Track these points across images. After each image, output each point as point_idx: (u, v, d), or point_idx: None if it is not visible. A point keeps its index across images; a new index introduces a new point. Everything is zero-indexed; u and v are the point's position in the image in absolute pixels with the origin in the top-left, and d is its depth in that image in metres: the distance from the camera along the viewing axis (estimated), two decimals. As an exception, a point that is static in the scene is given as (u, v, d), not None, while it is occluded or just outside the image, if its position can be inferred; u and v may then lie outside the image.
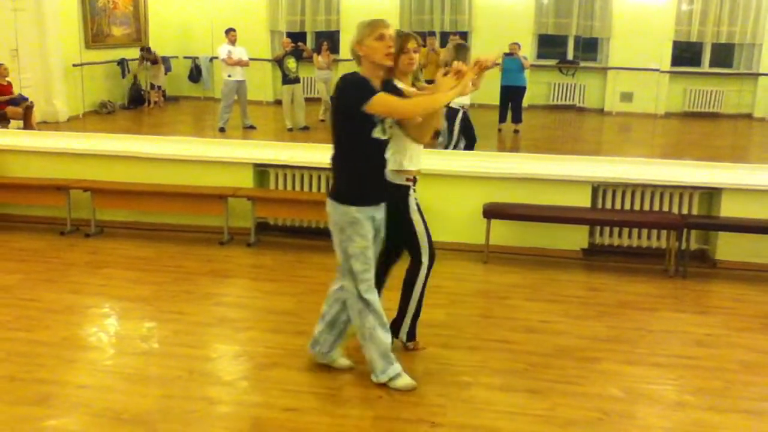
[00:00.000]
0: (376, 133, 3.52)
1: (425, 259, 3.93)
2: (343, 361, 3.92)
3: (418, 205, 3.89)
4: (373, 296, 3.65)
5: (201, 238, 6.24)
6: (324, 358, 3.90)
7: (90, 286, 5.17)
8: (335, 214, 3.62)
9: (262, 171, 6.47)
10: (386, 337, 3.67)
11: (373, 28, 3.47)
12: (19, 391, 3.63)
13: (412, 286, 3.96)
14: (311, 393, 3.67)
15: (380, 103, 3.40)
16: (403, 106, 3.50)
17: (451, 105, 8.55)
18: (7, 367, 3.87)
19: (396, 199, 3.79)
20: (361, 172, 3.57)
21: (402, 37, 3.65)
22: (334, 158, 3.63)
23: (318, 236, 6.29)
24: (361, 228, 3.56)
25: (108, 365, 3.98)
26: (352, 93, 3.45)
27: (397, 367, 3.68)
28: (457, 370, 3.92)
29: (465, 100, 8.74)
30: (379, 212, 3.69)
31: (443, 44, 11.92)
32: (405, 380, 3.68)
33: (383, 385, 3.67)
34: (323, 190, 6.34)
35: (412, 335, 4.11)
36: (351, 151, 3.57)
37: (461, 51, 8.82)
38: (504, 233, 5.93)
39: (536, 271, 5.63)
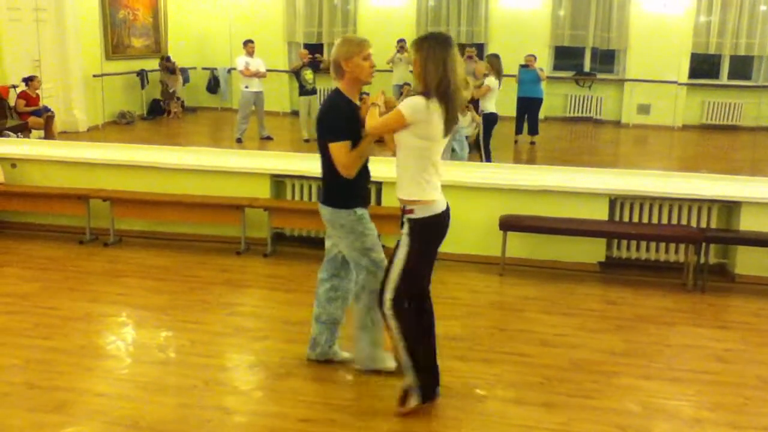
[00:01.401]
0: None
1: None
2: (345, 354, 4.09)
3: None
4: None
5: (218, 248, 6.27)
6: (325, 355, 4.07)
7: (108, 295, 5.22)
8: (340, 218, 3.74)
9: (278, 181, 6.51)
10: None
11: (361, 47, 3.64)
12: (37, 399, 3.66)
13: None
14: (326, 404, 3.68)
15: (334, 150, 3.62)
16: (343, 164, 3.63)
17: (490, 111, 8.87)
18: (26, 375, 3.92)
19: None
20: (357, 179, 3.73)
21: None
22: (328, 169, 3.73)
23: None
24: (368, 222, 3.79)
25: (125, 374, 4.01)
26: (330, 124, 3.65)
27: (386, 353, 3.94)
28: (472, 383, 3.91)
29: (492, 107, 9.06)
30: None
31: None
32: (390, 362, 3.94)
33: (374, 372, 3.91)
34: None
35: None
36: None
37: (495, 60, 9.54)
38: (520, 245, 5.92)
39: (552, 283, 5.60)
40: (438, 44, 3.37)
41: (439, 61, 3.33)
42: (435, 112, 3.35)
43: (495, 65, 9.51)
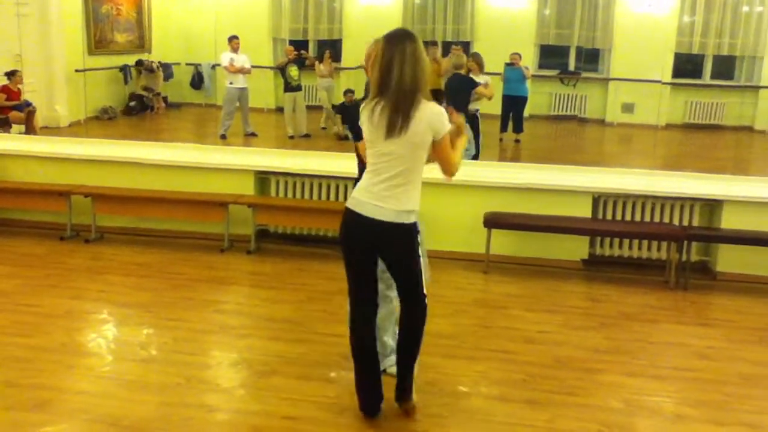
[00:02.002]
0: None
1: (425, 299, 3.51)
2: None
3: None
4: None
5: (201, 245, 6.23)
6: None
7: (90, 292, 5.17)
8: None
9: (263, 178, 6.47)
10: None
11: (370, 50, 3.55)
12: (17, 397, 3.61)
13: (421, 331, 3.50)
14: (310, 402, 3.66)
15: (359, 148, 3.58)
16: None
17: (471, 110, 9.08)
18: (5, 373, 3.86)
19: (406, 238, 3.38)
20: None
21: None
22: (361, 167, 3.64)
23: (318, 244, 6.29)
24: None
25: (107, 371, 3.97)
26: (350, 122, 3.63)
27: None
28: (456, 380, 3.91)
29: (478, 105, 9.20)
30: None
31: (445, 54, 11.95)
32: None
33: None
34: (324, 197, 6.34)
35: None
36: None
37: (479, 57, 9.84)
38: (504, 243, 5.93)
39: (536, 281, 5.62)
40: (386, 42, 3.20)
41: (384, 60, 3.17)
42: (364, 113, 3.24)
43: (481, 62, 9.66)
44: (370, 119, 3.23)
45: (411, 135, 3.18)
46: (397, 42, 3.19)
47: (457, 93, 8.74)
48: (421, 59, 3.20)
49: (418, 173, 3.29)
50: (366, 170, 3.35)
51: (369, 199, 3.28)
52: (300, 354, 4.13)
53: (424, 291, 3.45)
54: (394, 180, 3.24)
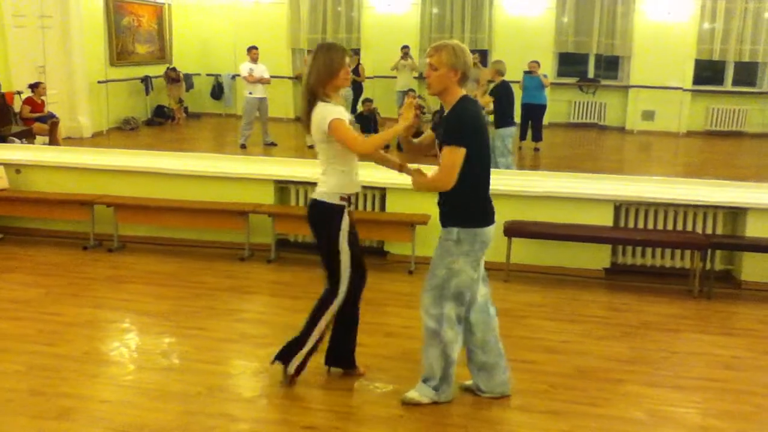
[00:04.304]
0: None
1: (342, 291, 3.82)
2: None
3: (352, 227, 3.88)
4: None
5: (222, 254, 6.26)
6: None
7: (112, 301, 5.21)
8: None
9: (282, 187, 6.50)
10: None
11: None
12: (40, 405, 3.65)
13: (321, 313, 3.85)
14: (331, 411, 3.66)
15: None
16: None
17: None
18: (29, 381, 3.90)
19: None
20: None
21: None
22: None
23: (338, 253, 6.29)
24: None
25: (129, 380, 3.99)
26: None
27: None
28: (477, 390, 3.88)
29: None
30: None
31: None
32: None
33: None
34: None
35: (301, 369, 3.85)
36: None
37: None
38: (525, 251, 5.89)
39: (557, 290, 5.58)
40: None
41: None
42: None
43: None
44: None
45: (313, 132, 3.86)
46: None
47: (510, 102, 8.94)
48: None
49: (328, 162, 3.87)
50: None
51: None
52: (321, 363, 4.10)
53: (343, 284, 3.79)
54: (320, 168, 3.90)
